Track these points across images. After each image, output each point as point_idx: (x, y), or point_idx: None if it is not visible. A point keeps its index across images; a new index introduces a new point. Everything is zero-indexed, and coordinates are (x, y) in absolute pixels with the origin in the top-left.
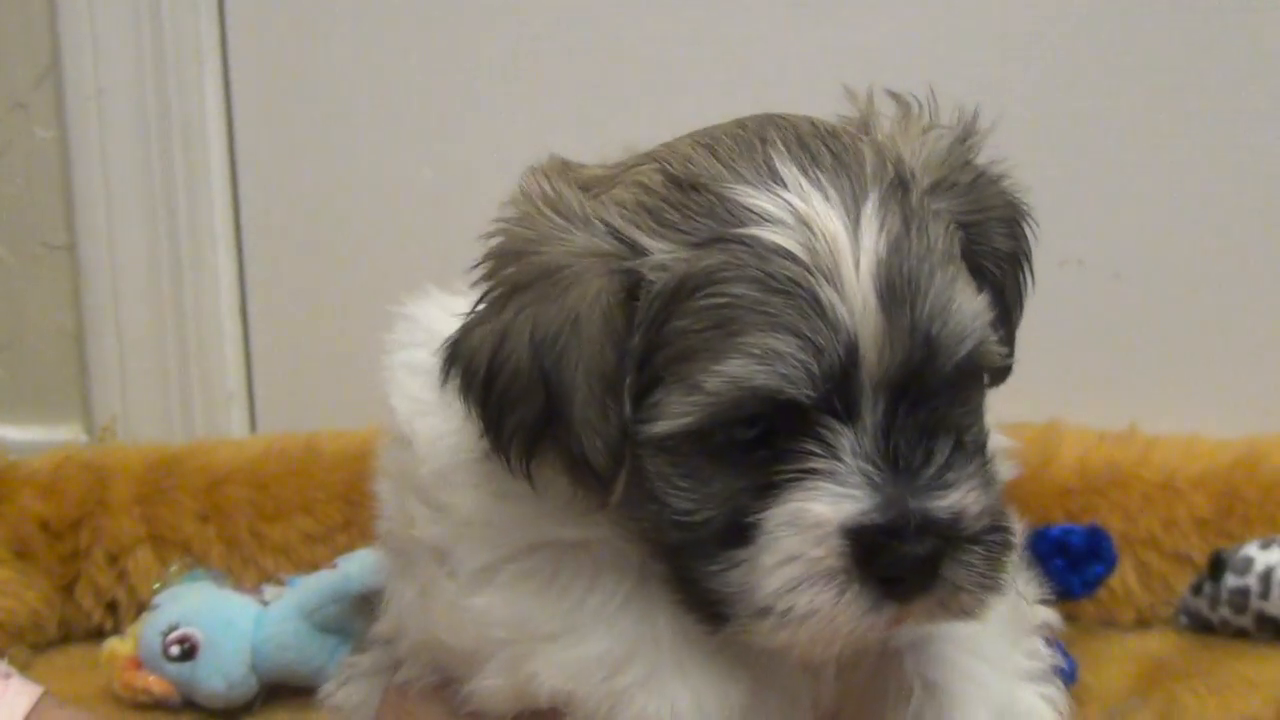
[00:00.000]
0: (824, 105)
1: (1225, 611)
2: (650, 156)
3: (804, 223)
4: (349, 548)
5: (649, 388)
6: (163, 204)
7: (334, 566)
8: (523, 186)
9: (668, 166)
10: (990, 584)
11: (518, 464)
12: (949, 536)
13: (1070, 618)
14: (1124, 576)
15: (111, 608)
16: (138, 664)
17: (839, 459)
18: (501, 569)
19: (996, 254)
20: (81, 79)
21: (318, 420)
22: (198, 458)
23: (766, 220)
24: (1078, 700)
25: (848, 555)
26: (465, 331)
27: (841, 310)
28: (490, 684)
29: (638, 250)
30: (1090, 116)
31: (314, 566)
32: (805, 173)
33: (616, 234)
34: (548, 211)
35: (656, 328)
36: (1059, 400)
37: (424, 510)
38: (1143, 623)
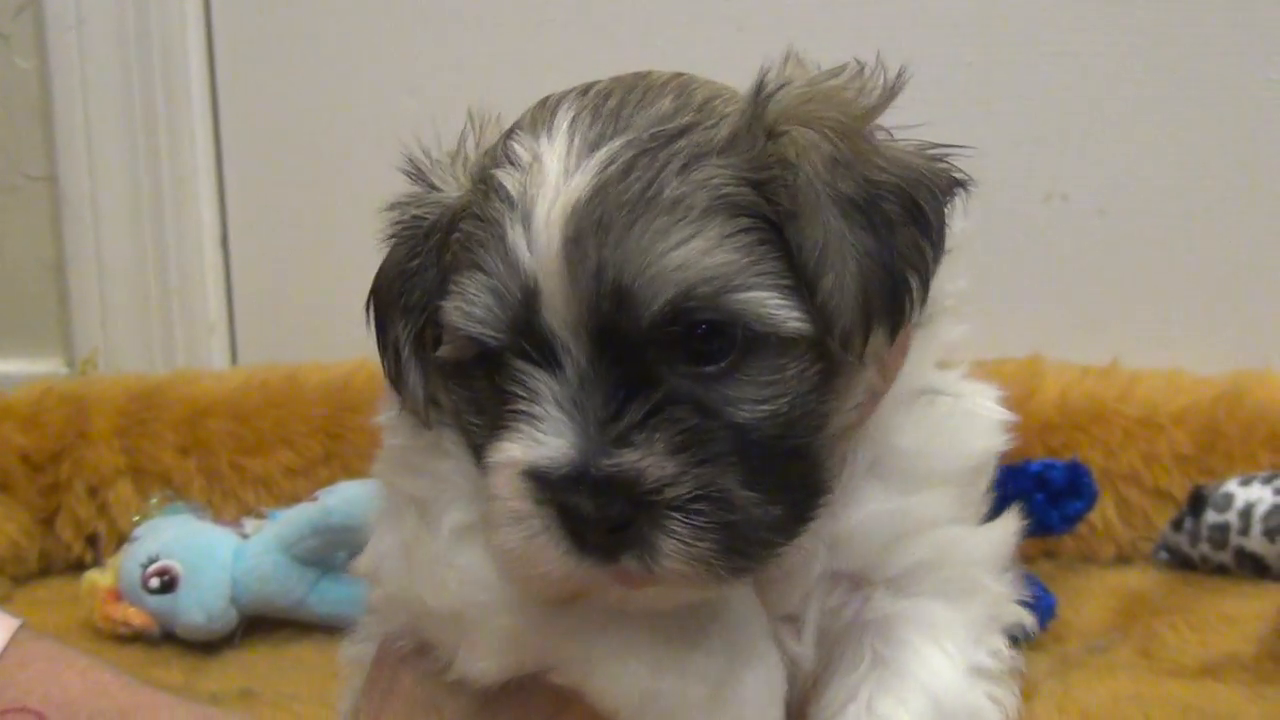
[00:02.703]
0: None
1: (1205, 548)
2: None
3: (535, 164)
4: (330, 481)
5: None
6: (143, 135)
7: (314, 499)
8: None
9: (522, 113)
10: (698, 556)
11: (395, 380)
12: (643, 500)
13: (1050, 553)
14: (1104, 512)
15: (91, 540)
16: (117, 596)
17: (541, 404)
18: (482, 529)
19: (786, 214)
20: (62, 9)
21: (299, 353)
22: (178, 390)
23: (510, 163)
24: (1057, 635)
25: (536, 500)
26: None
27: (524, 252)
28: (481, 666)
29: (426, 187)
30: (1075, 51)
31: (294, 499)
32: (573, 120)
33: (420, 173)
34: (443, 152)
35: (441, 259)
36: (1041, 335)
37: (409, 465)
38: (1123, 558)
